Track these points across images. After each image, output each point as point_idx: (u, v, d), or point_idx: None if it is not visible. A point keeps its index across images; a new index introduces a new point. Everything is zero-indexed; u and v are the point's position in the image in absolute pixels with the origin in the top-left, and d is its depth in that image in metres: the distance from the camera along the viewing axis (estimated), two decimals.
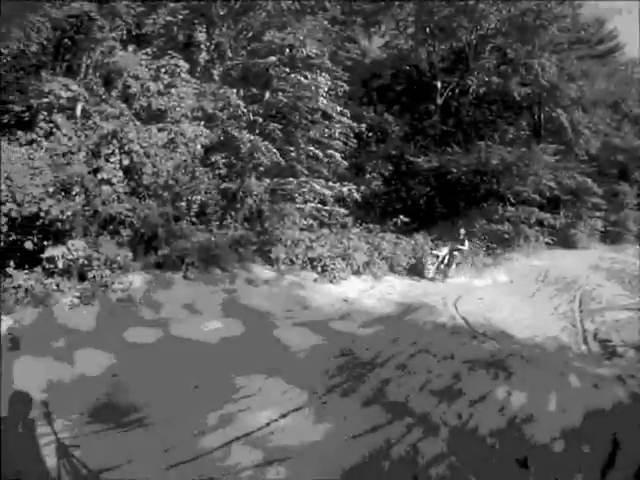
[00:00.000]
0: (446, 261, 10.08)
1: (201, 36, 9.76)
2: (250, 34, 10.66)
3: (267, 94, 9.99)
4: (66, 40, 8.74)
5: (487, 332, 6.54)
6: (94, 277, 6.91)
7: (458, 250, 10.19)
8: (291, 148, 10.12)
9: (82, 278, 6.95)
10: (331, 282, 8.63)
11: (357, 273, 9.30)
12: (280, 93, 10.04)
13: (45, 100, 7.87)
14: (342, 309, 7.35)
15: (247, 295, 7.45)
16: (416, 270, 10.30)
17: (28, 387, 4.23)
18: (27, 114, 7.99)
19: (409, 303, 7.94)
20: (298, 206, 9.96)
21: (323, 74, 10.56)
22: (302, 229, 9.78)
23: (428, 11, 13.79)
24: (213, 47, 9.94)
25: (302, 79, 10.13)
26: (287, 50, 10.46)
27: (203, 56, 9.68)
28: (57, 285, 6.67)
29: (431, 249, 10.63)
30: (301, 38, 10.56)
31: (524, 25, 14.52)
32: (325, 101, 10.55)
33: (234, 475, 3.36)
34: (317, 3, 11.64)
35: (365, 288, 8.70)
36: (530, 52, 14.94)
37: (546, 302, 8.79)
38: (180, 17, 10.00)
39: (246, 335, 6.02)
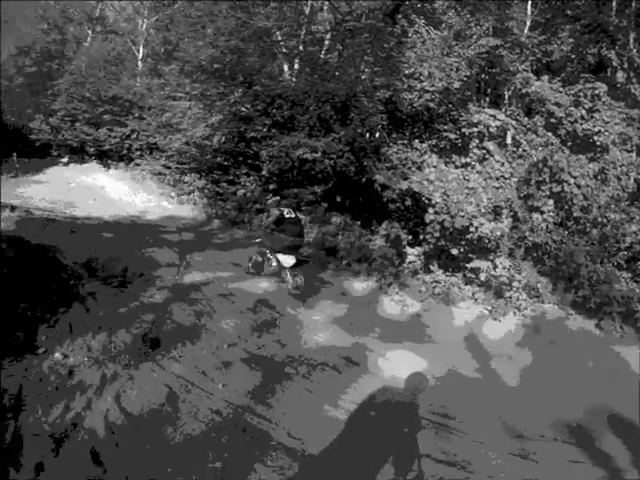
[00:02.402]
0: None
1: (610, 55, 9.21)
2: None
3: None
4: (483, 75, 9.42)
5: None
6: (510, 297, 7.15)
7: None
8: None
9: (497, 294, 7.29)
10: None
11: None
12: None
13: (475, 129, 8.54)
14: None
15: None
16: None
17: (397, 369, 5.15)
18: (460, 141, 9.00)
19: None
20: None
21: None
22: None
23: None
24: (626, 65, 9.23)
25: None
26: None
27: (619, 77, 9.05)
28: (473, 294, 7.45)
29: None
30: None
31: None
32: None
33: None
34: None
35: None
36: None
37: None
38: (580, 38, 9.74)
39: None
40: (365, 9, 11.10)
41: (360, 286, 7.81)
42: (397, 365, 5.32)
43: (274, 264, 6.83)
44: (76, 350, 4.41)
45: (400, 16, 11.02)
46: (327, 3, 11.57)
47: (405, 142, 9.00)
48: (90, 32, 18.20)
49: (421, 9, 11.35)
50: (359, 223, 9.07)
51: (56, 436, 3.24)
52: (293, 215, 6.82)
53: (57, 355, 4.23)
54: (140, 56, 16.85)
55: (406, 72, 9.76)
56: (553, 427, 4.60)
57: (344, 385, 4.70)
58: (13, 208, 8.96)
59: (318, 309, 6.63)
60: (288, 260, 6.67)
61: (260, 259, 7.04)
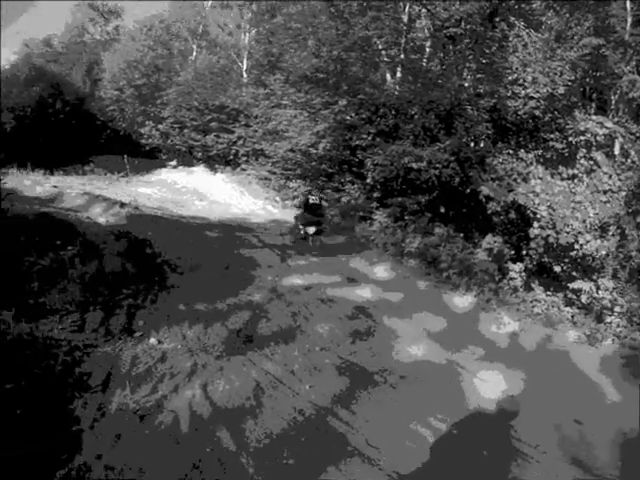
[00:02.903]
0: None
1: None
2: None
3: None
4: (587, 79, 9.61)
5: None
6: (610, 323, 6.91)
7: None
8: None
9: (597, 319, 6.98)
10: None
11: None
12: None
13: (582, 138, 8.70)
14: None
15: None
16: None
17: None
18: (566, 151, 9.06)
19: None
20: None
21: None
22: None
23: None
24: None
25: None
26: None
27: None
28: (572, 316, 7.22)
29: None
30: None
31: None
32: None
33: None
34: None
35: None
36: None
37: None
38: None
39: None
40: (463, 14, 11.43)
41: (459, 300, 7.74)
42: (489, 386, 5.26)
43: (302, 232, 9.87)
44: (171, 337, 4.80)
45: (498, 19, 11.24)
46: (425, 10, 12.05)
47: (510, 152, 9.18)
48: (195, 47, 19.92)
49: (518, 10, 11.50)
50: (462, 235, 9.24)
51: (139, 413, 3.59)
52: (317, 201, 10.20)
53: (152, 340, 4.65)
54: (244, 67, 18.19)
55: (509, 78, 9.90)
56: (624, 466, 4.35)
57: (431, 400, 4.69)
58: (123, 205, 10.13)
59: (414, 321, 6.67)
60: (310, 229, 9.80)
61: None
